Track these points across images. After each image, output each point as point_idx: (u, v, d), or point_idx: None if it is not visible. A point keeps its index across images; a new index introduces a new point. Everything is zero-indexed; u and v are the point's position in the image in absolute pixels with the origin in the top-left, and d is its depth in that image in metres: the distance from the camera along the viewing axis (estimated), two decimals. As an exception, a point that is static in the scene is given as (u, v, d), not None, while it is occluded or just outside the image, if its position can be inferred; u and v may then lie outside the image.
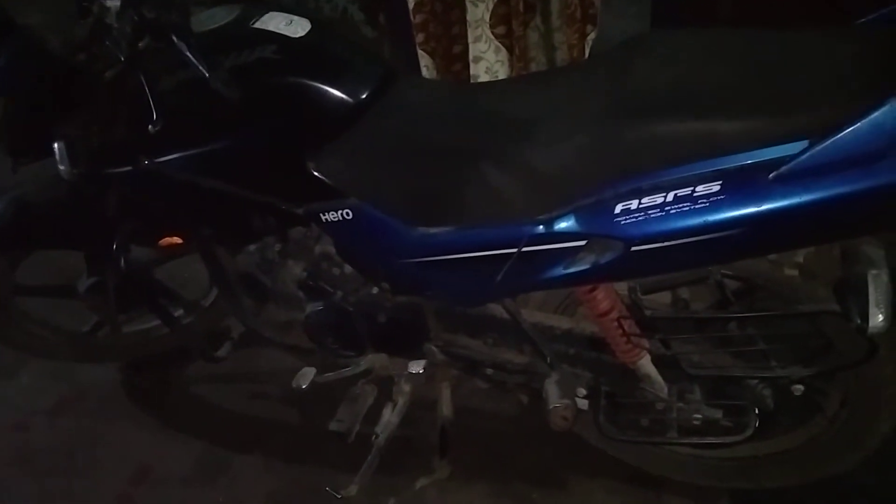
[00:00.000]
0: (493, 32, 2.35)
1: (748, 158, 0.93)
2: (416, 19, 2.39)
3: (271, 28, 1.20)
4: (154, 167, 1.26)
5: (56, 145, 1.21)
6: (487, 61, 2.41)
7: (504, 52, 2.39)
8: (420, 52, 2.46)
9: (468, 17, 2.33)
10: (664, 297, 1.28)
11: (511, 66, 2.42)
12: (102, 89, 1.24)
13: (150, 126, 1.11)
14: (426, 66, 2.49)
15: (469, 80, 2.46)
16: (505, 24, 2.34)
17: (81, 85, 1.25)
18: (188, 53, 1.07)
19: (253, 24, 1.21)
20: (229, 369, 1.91)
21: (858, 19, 1.06)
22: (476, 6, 2.30)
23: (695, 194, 0.95)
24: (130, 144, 1.26)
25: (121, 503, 1.67)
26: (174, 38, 1.08)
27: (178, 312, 1.90)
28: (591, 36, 2.33)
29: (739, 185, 0.93)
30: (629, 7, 2.71)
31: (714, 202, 0.94)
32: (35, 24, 1.20)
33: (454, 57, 2.51)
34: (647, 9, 2.37)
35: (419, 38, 2.44)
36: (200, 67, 1.06)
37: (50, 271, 1.86)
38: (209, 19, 1.23)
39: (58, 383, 1.97)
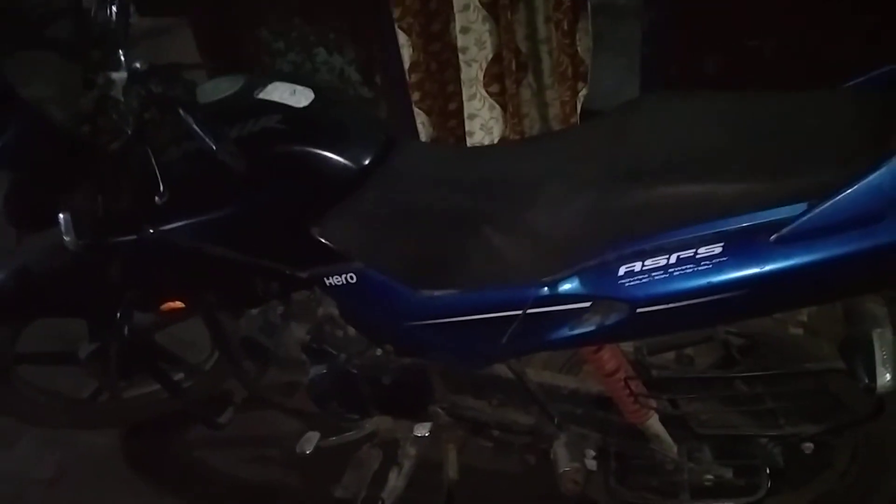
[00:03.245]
0: (486, 91, 2.41)
1: (749, 220, 0.95)
2: (412, 79, 2.45)
3: (275, 98, 1.22)
4: (159, 235, 1.27)
5: (61, 216, 1.21)
6: (482, 118, 2.46)
7: (498, 110, 2.45)
8: (416, 109, 2.51)
9: (462, 77, 2.38)
10: (668, 356, 1.28)
11: (505, 122, 2.47)
12: (108, 161, 1.26)
13: (156, 197, 1.12)
14: (422, 124, 2.54)
15: (464, 137, 2.50)
16: (498, 83, 2.39)
17: (86, 157, 1.26)
18: (195, 126, 1.09)
19: (257, 94, 1.23)
20: (231, 434, 1.87)
21: (846, 81, 1.09)
22: (470, 66, 2.36)
23: (697, 256, 0.96)
24: (136, 214, 1.27)
25: (119, 576, 1.63)
26: (181, 112, 1.10)
27: (179, 376, 1.89)
28: (583, 92, 2.38)
29: (741, 246, 0.94)
30: (617, 61, 2.78)
31: (717, 264, 0.95)
32: (38, 96, 1.22)
33: (449, 114, 2.56)
34: (635, 65, 2.42)
35: (415, 96, 2.49)
36: (207, 139, 1.08)
37: (50, 338, 1.85)
38: (214, 90, 1.26)
39: (56, 452, 1.94)
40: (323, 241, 1.22)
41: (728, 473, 1.23)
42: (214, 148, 1.07)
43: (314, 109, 1.23)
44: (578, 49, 2.29)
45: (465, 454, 1.63)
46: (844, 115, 0.98)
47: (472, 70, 2.37)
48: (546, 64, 2.43)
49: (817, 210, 0.89)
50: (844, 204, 0.88)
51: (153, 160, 1.14)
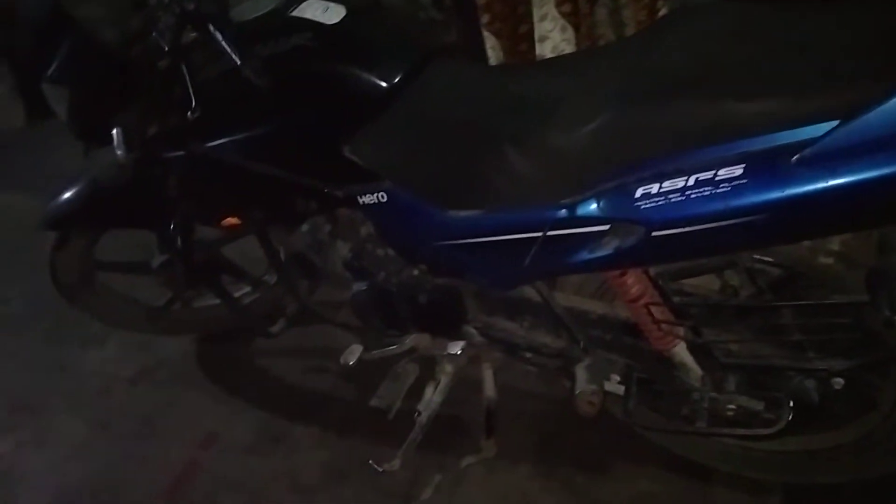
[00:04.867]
0: (559, 10, 2.30)
1: (773, 141, 0.88)
2: (482, 0, 2.37)
3: (307, 16, 1.23)
4: (204, 151, 1.32)
5: (114, 131, 1.28)
6: (553, 40, 2.36)
7: (571, 31, 2.33)
8: (486, 33, 2.43)
9: (534, -4, 2.29)
10: (699, 282, 1.23)
11: (578, 44, 2.35)
12: (155, 78, 1.31)
13: (189, 113, 1.17)
14: (492, 48, 2.46)
15: (535, 61, 2.42)
16: (571, 2, 2.28)
17: (137, 74, 1.32)
18: (222, 43, 1.12)
19: (291, 12, 1.25)
20: (294, 343, 1.99)
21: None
22: (541, -16, 2.26)
23: (717, 178, 0.92)
24: (182, 130, 1.33)
25: (188, 468, 1.78)
26: (210, 28, 1.13)
27: (245, 290, 2.00)
28: (663, 11, 2.23)
29: (763, 168, 0.89)
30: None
31: (736, 186, 0.90)
32: (92, 17, 1.27)
33: (520, 37, 2.47)
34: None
35: (484, 19, 2.40)
36: (233, 56, 1.10)
37: (132, 247, 1.99)
38: (251, 8, 1.28)
39: (140, 353, 2.11)
40: (354, 159, 1.24)
41: (755, 405, 1.19)
42: (237, 65, 1.09)
43: (345, 26, 1.23)
44: (659, -36, 2.14)
45: (512, 375, 1.66)
46: (886, 26, 0.89)
47: (545, -11, 2.27)
48: (623, -20, 2.29)
49: (842, 129, 0.82)
50: (872, 123, 0.81)
51: (187, 77, 1.18)
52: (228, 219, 1.61)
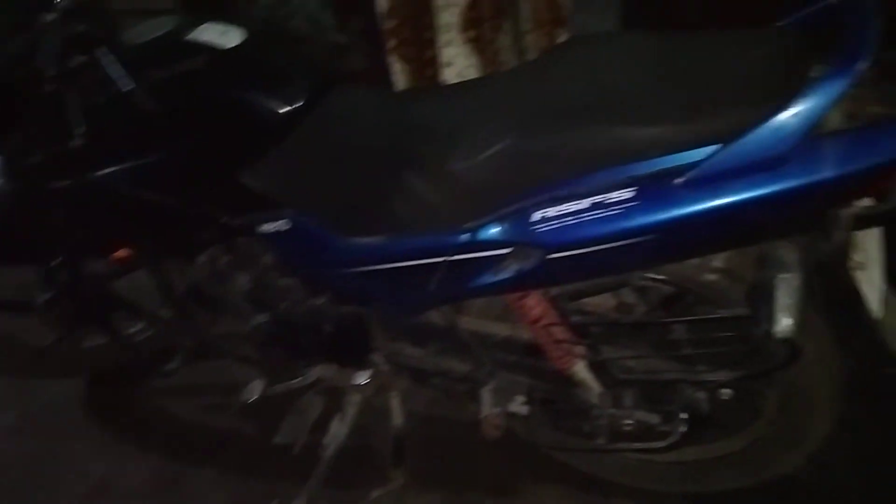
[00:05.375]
0: (463, 36, 2.34)
1: (661, 164, 0.94)
2: (388, 24, 2.38)
3: (204, 39, 1.20)
4: (93, 180, 1.26)
5: (-7, 161, 1.21)
6: (458, 66, 2.40)
7: (475, 58, 2.38)
8: (393, 57, 2.45)
9: (438, 22, 2.31)
10: (610, 302, 1.27)
11: (482, 70, 2.40)
12: (39, 104, 1.24)
13: (77, 140, 1.12)
14: (398, 73, 2.48)
15: (435, 87, 2.45)
16: (475, 28, 2.32)
17: (20, 100, 1.25)
18: (112, 67, 1.08)
19: (186, 35, 1.21)
20: (191, 381, 1.91)
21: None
22: (445, 10, 2.30)
23: (608, 201, 0.96)
24: (68, 158, 1.26)
25: (77, 519, 1.67)
26: (99, 52, 1.08)
27: (139, 326, 1.91)
28: (562, 38, 2.32)
29: (651, 191, 0.94)
30: (598, 6, 2.71)
31: (627, 209, 0.95)
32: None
33: (426, 63, 2.48)
34: (616, 9, 2.35)
35: (391, 43, 2.41)
36: (120, 82, 1.06)
37: (9, 286, 1.86)
38: (146, 31, 1.24)
39: (21, 399, 1.97)
40: (252, 187, 1.21)
41: (648, 418, 1.24)
42: (125, 90, 1.05)
43: (243, 50, 1.20)
44: (557, -8, 2.23)
45: (419, 402, 1.66)
46: (763, 54, 0.96)
47: (448, 15, 2.30)
48: (524, 8, 2.36)
49: (721, 153, 0.88)
50: (750, 146, 0.87)
51: (74, 103, 1.13)
52: (119, 251, 1.54)
